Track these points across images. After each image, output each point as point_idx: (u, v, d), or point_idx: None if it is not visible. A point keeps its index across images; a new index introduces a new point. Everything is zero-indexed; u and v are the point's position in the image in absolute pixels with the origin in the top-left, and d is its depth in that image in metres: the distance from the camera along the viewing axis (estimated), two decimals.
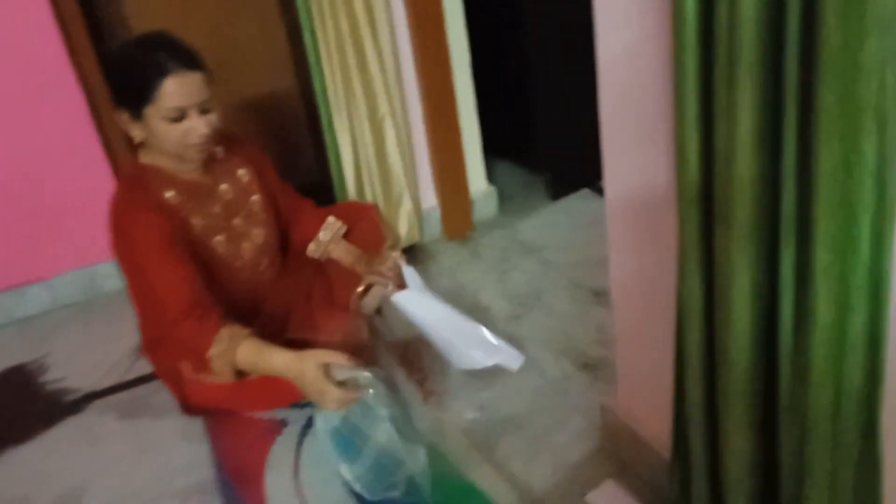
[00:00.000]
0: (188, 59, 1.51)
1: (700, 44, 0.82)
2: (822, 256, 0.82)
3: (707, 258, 0.97)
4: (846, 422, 0.91)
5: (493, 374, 1.87)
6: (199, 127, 1.53)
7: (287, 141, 2.62)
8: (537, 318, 2.07)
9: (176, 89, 1.48)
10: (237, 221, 1.72)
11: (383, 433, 1.55)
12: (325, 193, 2.30)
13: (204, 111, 1.54)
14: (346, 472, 1.52)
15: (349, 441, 1.54)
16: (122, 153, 2.33)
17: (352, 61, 2.11)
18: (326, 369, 1.47)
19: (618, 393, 1.55)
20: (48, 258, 2.36)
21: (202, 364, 1.54)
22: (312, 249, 1.88)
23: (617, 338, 1.48)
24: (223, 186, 1.71)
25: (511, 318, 2.09)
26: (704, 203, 0.92)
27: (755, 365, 0.98)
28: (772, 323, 0.93)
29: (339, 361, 1.48)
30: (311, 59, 2.13)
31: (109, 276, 2.43)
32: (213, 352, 1.51)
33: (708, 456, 1.18)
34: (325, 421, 1.55)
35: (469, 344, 1.69)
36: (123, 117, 1.55)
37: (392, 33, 2.16)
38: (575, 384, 1.81)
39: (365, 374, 1.51)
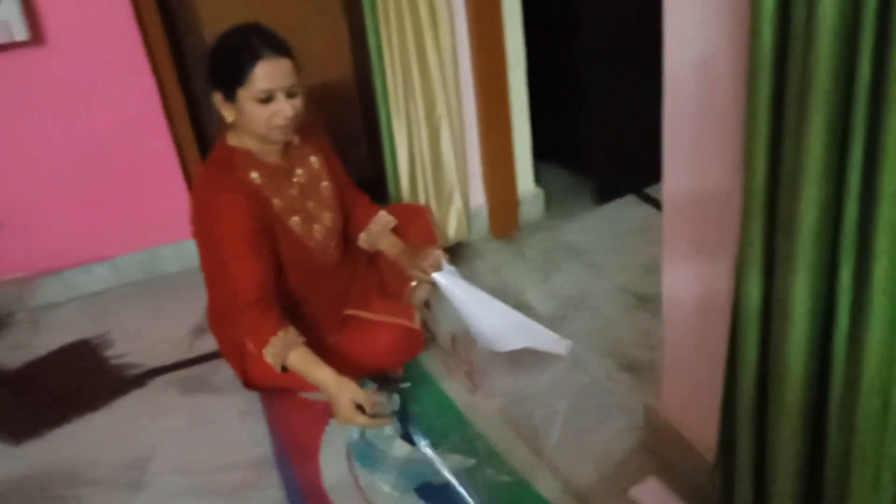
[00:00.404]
0: (279, 46, 1.64)
1: (774, 68, 0.88)
2: (879, 272, 0.87)
3: (767, 267, 1.02)
4: (892, 431, 0.96)
5: (539, 367, 1.94)
6: (285, 109, 1.65)
7: (341, 135, 2.70)
8: (582, 319, 2.13)
9: (266, 73, 1.61)
10: (310, 204, 1.82)
11: (399, 448, 1.67)
12: (378, 189, 2.38)
13: (290, 95, 1.66)
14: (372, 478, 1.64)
15: (366, 454, 1.68)
16: (188, 142, 2.43)
17: (413, 61, 2.18)
18: (356, 402, 1.59)
19: (662, 394, 1.61)
20: (112, 239, 2.47)
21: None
22: (363, 239, 1.99)
23: (665, 339, 1.53)
24: (299, 171, 1.82)
25: (556, 318, 2.15)
26: (769, 215, 0.97)
27: (809, 373, 1.03)
28: (827, 332, 0.99)
29: (368, 402, 1.59)
30: (374, 57, 2.21)
31: (169, 258, 2.54)
32: (267, 351, 1.63)
33: (754, 460, 1.23)
34: (346, 433, 1.71)
35: (513, 327, 1.84)
36: (218, 98, 1.69)
37: (453, 36, 2.24)
38: (618, 384, 1.87)
39: (387, 402, 1.67)
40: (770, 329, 1.07)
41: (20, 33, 2.05)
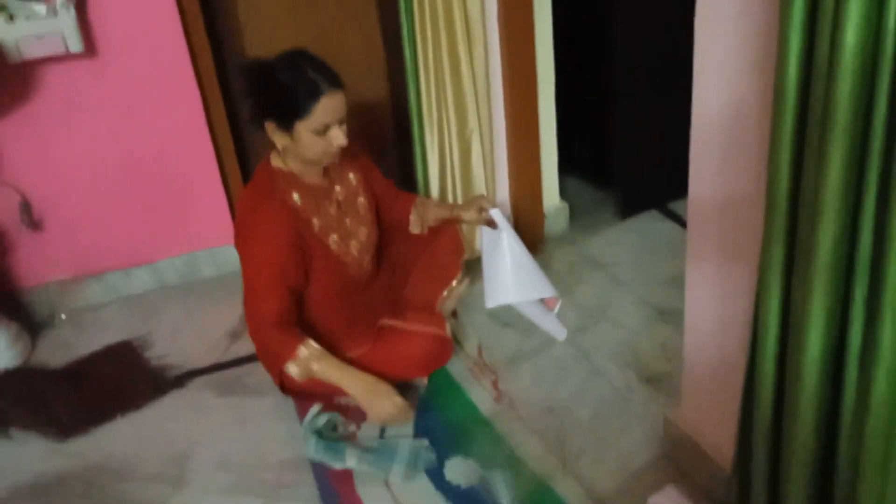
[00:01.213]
0: (335, 80, 1.72)
1: (797, 103, 0.96)
2: (890, 295, 0.94)
3: (786, 287, 1.09)
4: None
5: (561, 377, 2.01)
6: (339, 137, 1.74)
7: (373, 147, 2.80)
8: (603, 330, 2.20)
9: (326, 107, 1.69)
10: (347, 221, 1.91)
11: (351, 458, 1.76)
12: None
13: (342, 123, 1.75)
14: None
15: (329, 447, 1.78)
16: (228, 153, 2.54)
17: (447, 76, 2.27)
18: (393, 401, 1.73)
19: (682, 405, 1.67)
20: (153, 243, 2.57)
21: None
22: (413, 221, 2.11)
23: (685, 351, 1.60)
24: (337, 188, 1.91)
25: (578, 328, 2.21)
26: (788, 239, 1.05)
27: (823, 387, 1.10)
28: (840, 350, 1.05)
29: (402, 403, 1.74)
30: (409, 70, 2.30)
31: (207, 263, 2.64)
32: (290, 366, 1.73)
33: (769, 469, 1.30)
34: (311, 424, 1.83)
35: (529, 277, 1.99)
36: (271, 126, 1.75)
37: (486, 53, 2.32)
38: (638, 395, 1.93)
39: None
40: (787, 345, 1.13)
41: (75, 45, 2.15)
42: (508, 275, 1.97)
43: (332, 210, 1.88)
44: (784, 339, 1.16)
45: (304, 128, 1.71)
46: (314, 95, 1.68)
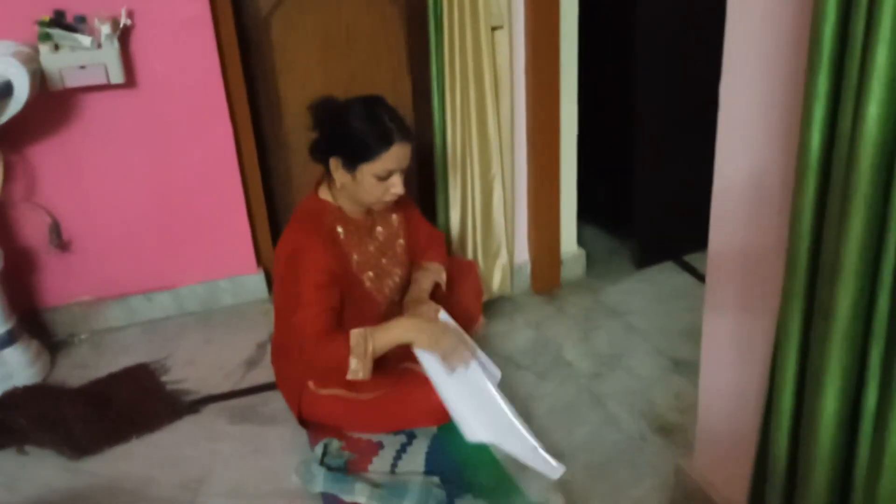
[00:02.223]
0: (407, 133, 1.79)
1: (820, 170, 1.00)
2: None
3: (803, 345, 1.12)
4: None
5: (574, 422, 2.02)
6: (397, 185, 1.80)
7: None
8: (617, 378, 2.22)
9: (394, 156, 1.76)
10: (384, 261, 1.95)
11: (362, 493, 1.76)
12: None
13: (402, 172, 1.81)
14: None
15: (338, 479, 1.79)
16: (255, 187, 2.61)
17: (473, 124, 2.33)
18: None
19: (694, 456, 1.68)
20: (176, 270, 2.62)
21: (331, 377, 1.75)
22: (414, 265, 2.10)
23: (700, 403, 1.61)
24: (379, 228, 1.96)
25: (592, 375, 2.23)
26: (808, 299, 1.08)
27: (838, 445, 1.12)
28: (856, 409, 1.08)
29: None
30: (436, 115, 2.37)
31: (227, 292, 2.68)
32: (353, 360, 1.72)
33: None
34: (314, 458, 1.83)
35: (503, 428, 1.73)
36: (335, 163, 1.80)
37: (512, 103, 2.39)
38: (650, 444, 1.94)
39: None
40: (804, 401, 1.16)
41: (117, 77, 2.23)
42: (492, 410, 1.76)
43: (372, 248, 1.93)
44: (800, 395, 1.18)
45: (368, 171, 1.77)
46: (386, 143, 1.75)
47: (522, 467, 1.84)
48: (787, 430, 1.23)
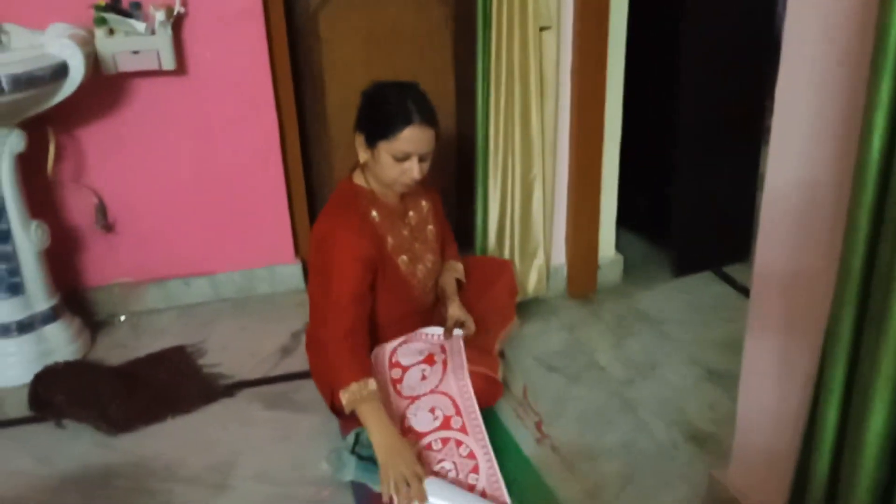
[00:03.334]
0: (429, 117, 1.80)
1: (878, 181, 0.98)
2: None
3: (852, 356, 1.10)
4: None
5: (605, 427, 2.01)
6: (413, 170, 1.81)
7: (434, 184, 2.87)
8: (651, 385, 2.19)
9: (411, 137, 1.77)
10: (417, 245, 1.97)
11: None
12: (465, 238, 2.50)
13: (422, 159, 1.81)
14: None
15: (369, 469, 1.76)
16: (297, 178, 2.64)
17: (517, 124, 2.33)
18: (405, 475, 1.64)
19: (730, 467, 1.66)
20: (215, 256, 2.66)
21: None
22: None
23: (739, 414, 1.59)
24: (411, 213, 1.98)
25: (625, 381, 2.21)
26: (860, 305, 1.06)
27: (883, 461, 1.10)
28: None
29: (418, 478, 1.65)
30: (479, 114, 2.37)
31: (264, 281, 2.71)
32: (343, 393, 1.73)
33: None
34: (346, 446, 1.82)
35: None
36: (359, 139, 1.85)
37: (557, 105, 2.38)
38: (683, 453, 1.92)
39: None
40: (850, 413, 1.14)
41: (168, 63, 2.27)
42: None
43: (405, 232, 1.95)
44: (846, 407, 1.16)
45: (385, 149, 1.79)
46: (404, 122, 1.77)
47: (553, 468, 1.84)
48: (831, 444, 1.20)
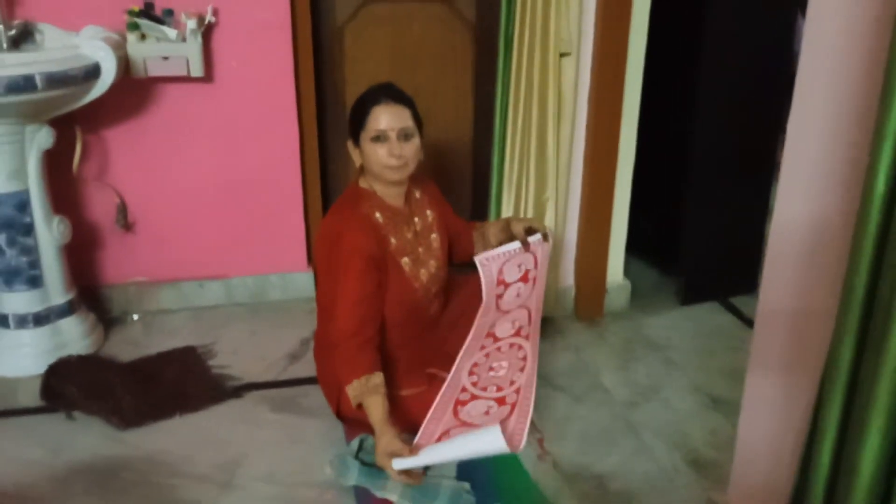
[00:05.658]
0: (398, 96, 1.90)
1: (884, 207, 1.02)
2: None
3: (851, 383, 1.13)
4: None
5: (607, 447, 2.03)
6: (394, 148, 1.86)
7: (449, 198, 2.92)
8: (654, 409, 2.22)
9: (380, 114, 1.86)
10: (421, 250, 2.01)
11: (394, 490, 1.78)
12: None
13: (406, 137, 1.87)
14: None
15: (372, 474, 1.81)
16: (313, 188, 2.69)
17: (533, 146, 2.38)
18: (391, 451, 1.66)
19: (728, 492, 1.68)
20: (229, 261, 2.71)
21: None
22: (476, 240, 2.16)
23: (738, 440, 1.61)
24: (416, 219, 2.03)
25: (628, 403, 2.24)
26: (859, 336, 1.09)
27: (877, 489, 1.12)
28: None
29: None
30: (497, 135, 2.42)
31: (276, 287, 2.75)
32: (350, 387, 1.78)
33: None
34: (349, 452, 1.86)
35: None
36: (350, 144, 1.96)
37: (573, 129, 2.43)
38: (682, 476, 1.94)
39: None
40: (846, 443, 1.16)
41: (197, 70, 2.34)
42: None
43: (409, 235, 2.00)
44: (843, 435, 1.19)
45: (365, 138, 1.88)
46: (371, 104, 1.87)
47: (553, 484, 1.85)
48: (826, 473, 1.23)
